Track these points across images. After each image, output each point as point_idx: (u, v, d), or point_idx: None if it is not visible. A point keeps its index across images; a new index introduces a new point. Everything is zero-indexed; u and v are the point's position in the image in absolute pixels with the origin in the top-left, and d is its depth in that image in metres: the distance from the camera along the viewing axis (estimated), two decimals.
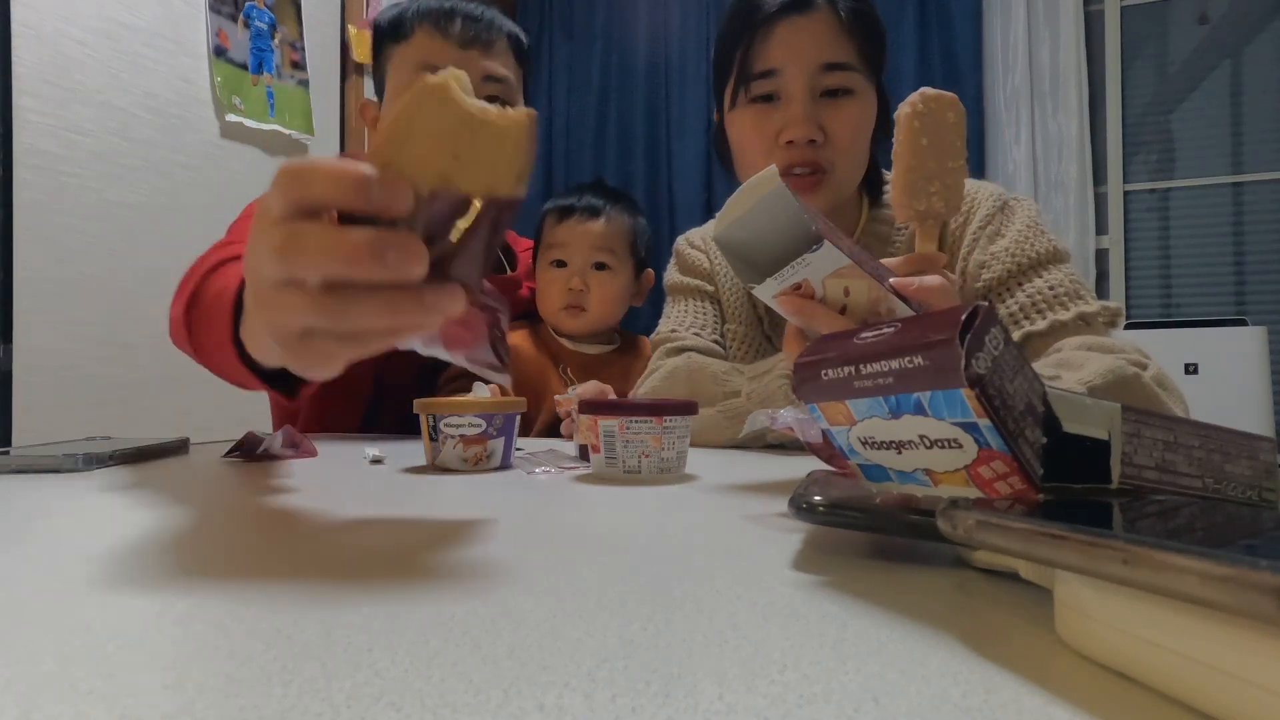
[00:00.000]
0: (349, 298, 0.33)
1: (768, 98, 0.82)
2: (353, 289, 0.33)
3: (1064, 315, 0.78)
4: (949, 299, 0.56)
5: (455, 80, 0.34)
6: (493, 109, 0.35)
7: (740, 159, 0.87)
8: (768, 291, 0.53)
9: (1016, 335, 0.79)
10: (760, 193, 0.51)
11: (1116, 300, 2.94)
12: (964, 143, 0.62)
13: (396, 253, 0.33)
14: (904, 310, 0.55)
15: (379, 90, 1.02)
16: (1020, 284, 0.81)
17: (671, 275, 1.07)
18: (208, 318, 0.59)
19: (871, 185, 0.93)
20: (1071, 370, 0.68)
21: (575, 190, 1.22)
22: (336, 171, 0.33)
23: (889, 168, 0.97)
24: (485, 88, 0.93)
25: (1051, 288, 0.80)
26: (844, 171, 0.83)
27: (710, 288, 1.01)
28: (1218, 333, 2.51)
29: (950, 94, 0.62)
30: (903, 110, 0.62)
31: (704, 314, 1.00)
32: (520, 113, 0.35)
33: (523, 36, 1.01)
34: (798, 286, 0.52)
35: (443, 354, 0.42)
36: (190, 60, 2.15)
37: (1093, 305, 0.78)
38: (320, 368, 0.37)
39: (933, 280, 0.56)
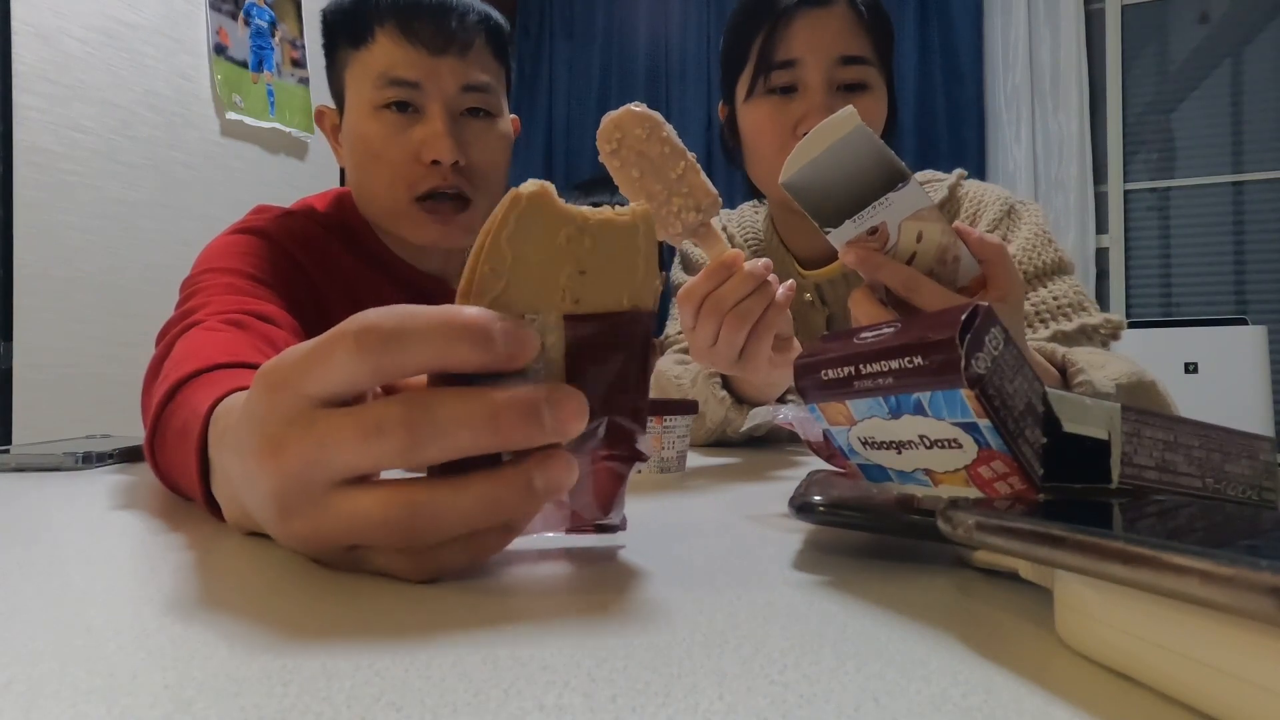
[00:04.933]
0: (450, 489, 0.26)
1: (785, 89, 0.82)
2: (444, 476, 0.26)
3: (1067, 326, 0.78)
4: (1006, 259, 0.57)
5: (547, 186, 0.28)
6: (604, 208, 0.29)
7: (754, 150, 0.86)
8: (845, 235, 0.54)
9: None
10: (837, 134, 0.51)
11: (1116, 299, 2.95)
12: (672, 144, 0.57)
13: (555, 408, 0.26)
14: (968, 261, 0.55)
15: (336, 98, 0.84)
16: (1024, 293, 0.82)
17: (676, 275, 1.07)
18: (173, 456, 0.44)
19: None
20: (1095, 369, 0.69)
21: (585, 187, 1.18)
22: (444, 324, 0.25)
23: None
24: (465, 99, 0.78)
25: (1056, 298, 0.80)
26: None
27: None
28: (1218, 332, 2.51)
29: (623, 111, 0.56)
30: (601, 158, 0.57)
31: None
32: (637, 205, 0.30)
33: (502, 24, 0.82)
34: (874, 231, 0.53)
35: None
36: (190, 58, 2.15)
37: (1095, 318, 0.79)
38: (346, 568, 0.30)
39: (995, 238, 0.57)
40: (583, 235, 0.28)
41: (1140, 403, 0.67)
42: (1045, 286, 0.82)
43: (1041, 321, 0.80)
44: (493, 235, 0.27)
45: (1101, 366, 0.69)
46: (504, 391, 0.25)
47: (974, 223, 0.88)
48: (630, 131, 0.56)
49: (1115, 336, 0.80)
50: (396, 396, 0.25)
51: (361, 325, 0.25)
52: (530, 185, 0.27)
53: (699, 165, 0.58)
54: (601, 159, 0.57)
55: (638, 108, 0.56)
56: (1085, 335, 0.78)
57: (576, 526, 0.33)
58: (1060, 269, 0.83)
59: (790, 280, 0.62)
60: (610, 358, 0.29)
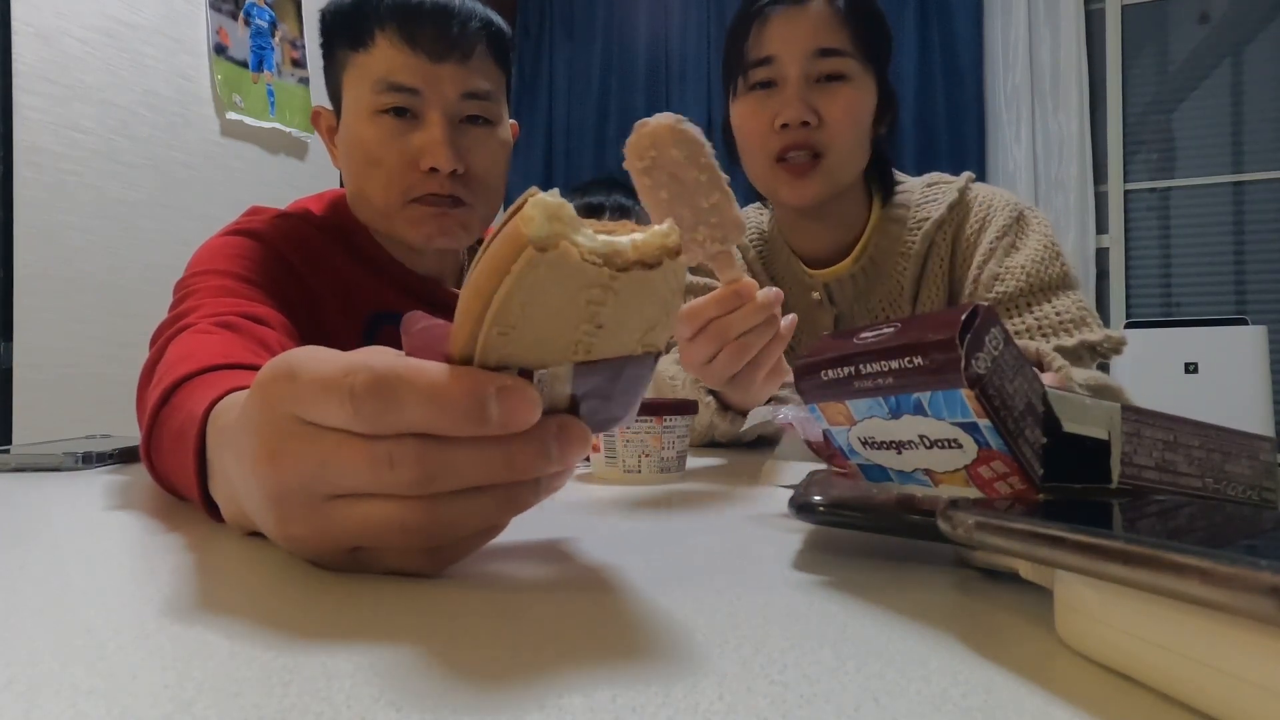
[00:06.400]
0: (460, 499, 0.26)
1: (765, 84, 0.84)
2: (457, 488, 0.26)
3: (1068, 341, 0.79)
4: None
5: (560, 219, 0.24)
6: (627, 244, 0.25)
7: (741, 146, 0.89)
8: None
9: None
10: None
11: (1116, 299, 2.95)
12: (710, 171, 0.54)
13: (563, 444, 0.27)
14: None
15: (334, 99, 0.82)
16: (1030, 306, 0.83)
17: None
18: (170, 458, 0.44)
19: (884, 183, 0.93)
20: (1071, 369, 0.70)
21: (593, 186, 1.17)
22: (439, 393, 0.24)
23: (899, 166, 0.97)
24: (465, 106, 0.76)
25: (1059, 314, 0.82)
26: (839, 155, 0.84)
27: (720, 283, 1.00)
28: (1218, 332, 2.51)
29: (665, 124, 0.53)
30: (627, 166, 0.55)
31: None
32: (664, 244, 0.26)
33: (504, 29, 0.80)
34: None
35: None
36: (190, 58, 2.15)
37: (1097, 334, 0.80)
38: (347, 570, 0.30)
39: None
40: (606, 294, 0.25)
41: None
42: (1049, 302, 0.83)
43: (1043, 336, 0.81)
44: (503, 300, 0.24)
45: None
46: (516, 440, 0.26)
47: (982, 228, 0.88)
48: (666, 152, 0.53)
49: (1117, 351, 0.81)
50: (410, 444, 0.25)
51: (354, 387, 0.25)
52: (542, 229, 0.23)
53: (732, 193, 0.55)
54: (627, 167, 0.54)
55: (679, 125, 0.53)
56: (1085, 352, 0.80)
57: None
58: (1065, 284, 0.84)
59: (792, 315, 0.62)
60: (614, 394, 0.29)
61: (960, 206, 0.90)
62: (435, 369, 0.25)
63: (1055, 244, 0.86)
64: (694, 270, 1.05)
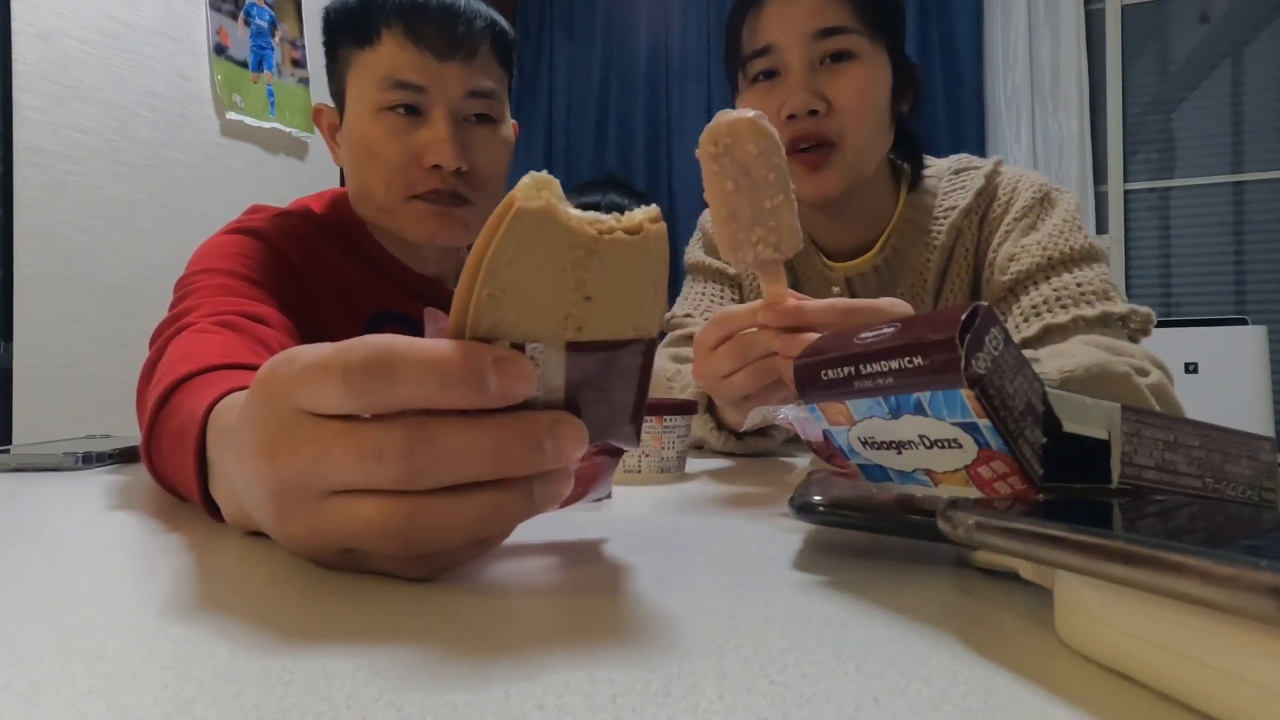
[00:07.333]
0: (444, 501, 0.26)
1: (768, 75, 0.80)
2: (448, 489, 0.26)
3: (1088, 312, 0.75)
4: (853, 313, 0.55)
5: (548, 188, 0.25)
6: (610, 219, 0.26)
7: None
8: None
9: (1035, 327, 0.76)
10: None
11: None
12: (780, 172, 0.54)
13: (556, 439, 0.26)
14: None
15: (336, 97, 0.82)
16: (1048, 278, 0.79)
17: (693, 253, 1.02)
18: (170, 458, 0.44)
19: (914, 166, 0.89)
20: (1057, 358, 0.66)
21: (589, 186, 1.16)
22: (435, 362, 0.24)
23: (926, 149, 0.91)
24: (470, 104, 0.77)
25: (1080, 285, 0.77)
26: (855, 140, 0.79)
27: (734, 270, 0.94)
28: (1218, 332, 2.51)
29: (747, 117, 0.53)
30: (700, 153, 0.54)
31: (722, 299, 0.97)
32: (646, 214, 0.27)
33: (507, 29, 0.81)
34: None
35: None
36: (191, 58, 2.15)
37: (1120, 307, 0.76)
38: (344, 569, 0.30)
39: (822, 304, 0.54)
40: (590, 258, 0.26)
41: (1098, 394, 0.63)
42: (1070, 272, 0.78)
43: (1062, 306, 0.76)
44: (492, 256, 0.25)
45: (1069, 355, 0.66)
46: (507, 421, 0.25)
47: (1006, 209, 0.84)
48: (742, 143, 0.53)
49: (1145, 330, 0.76)
50: (400, 421, 0.25)
51: (349, 362, 0.24)
52: (531, 195, 0.25)
53: (795, 202, 0.55)
54: (699, 155, 0.54)
55: (760, 120, 0.53)
56: (1105, 323, 0.75)
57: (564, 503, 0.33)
58: (1089, 256, 0.79)
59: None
60: (610, 386, 0.29)
61: (986, 192, 0.86)
62: (430, 342, 0.25)
63: (1077, 220, 0.81)
64: (708, 251, 1.00)
